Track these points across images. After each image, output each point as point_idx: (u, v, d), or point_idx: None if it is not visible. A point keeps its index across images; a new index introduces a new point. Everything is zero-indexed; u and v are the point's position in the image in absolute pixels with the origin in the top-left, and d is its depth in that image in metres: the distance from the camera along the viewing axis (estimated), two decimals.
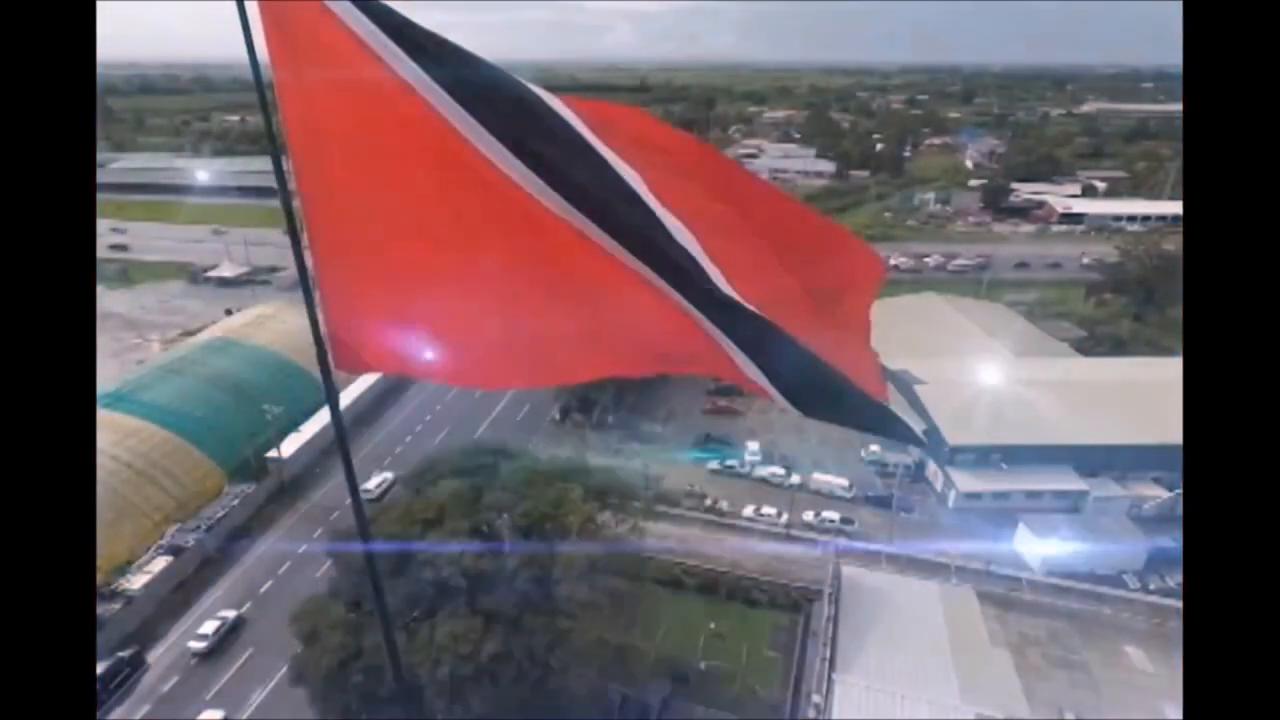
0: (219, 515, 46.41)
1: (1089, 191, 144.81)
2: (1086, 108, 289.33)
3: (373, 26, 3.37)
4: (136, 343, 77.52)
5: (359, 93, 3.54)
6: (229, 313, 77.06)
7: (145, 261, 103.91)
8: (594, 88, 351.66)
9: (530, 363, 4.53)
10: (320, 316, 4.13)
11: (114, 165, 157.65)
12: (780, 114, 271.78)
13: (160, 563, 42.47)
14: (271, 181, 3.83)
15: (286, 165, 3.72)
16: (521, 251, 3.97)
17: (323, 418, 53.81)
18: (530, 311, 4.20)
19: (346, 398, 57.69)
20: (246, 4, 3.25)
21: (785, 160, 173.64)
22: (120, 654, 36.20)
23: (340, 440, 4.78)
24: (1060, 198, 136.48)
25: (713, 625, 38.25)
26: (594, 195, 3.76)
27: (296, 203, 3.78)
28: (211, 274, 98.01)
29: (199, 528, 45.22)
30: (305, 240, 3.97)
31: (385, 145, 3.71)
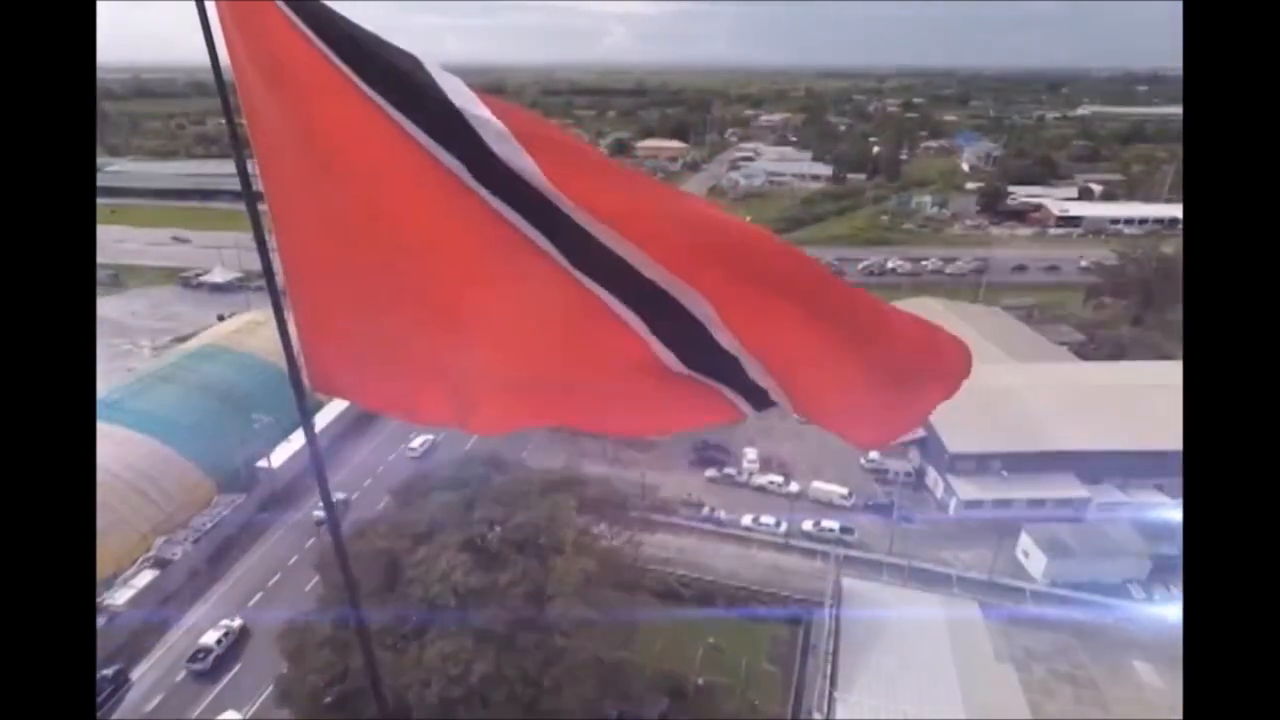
0: (208, 526, 45.60)
1: (1085, 194, 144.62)
2: (1082, 111, 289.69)
3: (309, 30, 3.12)
4: (127, 349, 76.62)
5: (317, 100, 3.27)
6: (221, 318, 76.30)
7: (137, 266, 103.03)
8: (591, 91, 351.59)
9: (518, 406, 4.15)
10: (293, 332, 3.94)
11: (109, 169, 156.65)
12: (776, 117, 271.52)
13: (146, 576, 41.61)
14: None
15: (252, 169, 3.57)
16: (506, 285, 3.63)
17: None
18: (517, 352, 3.85)
19: (336, 408, 56.77)
20: (207, 4, 3.11)
21: (781, 164, 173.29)
22: (103, 671, 35.32)
23: (316, 461, 4.41)
24: (1057, 201, 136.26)
25: (711, 639, 37.50)
26: (565, 230, 3.39)
27: (263, 206, 3.63)
28: (204, 279, 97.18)
29: (187, 539, 44.42)
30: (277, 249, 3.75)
31: (349, 157, 3.38)
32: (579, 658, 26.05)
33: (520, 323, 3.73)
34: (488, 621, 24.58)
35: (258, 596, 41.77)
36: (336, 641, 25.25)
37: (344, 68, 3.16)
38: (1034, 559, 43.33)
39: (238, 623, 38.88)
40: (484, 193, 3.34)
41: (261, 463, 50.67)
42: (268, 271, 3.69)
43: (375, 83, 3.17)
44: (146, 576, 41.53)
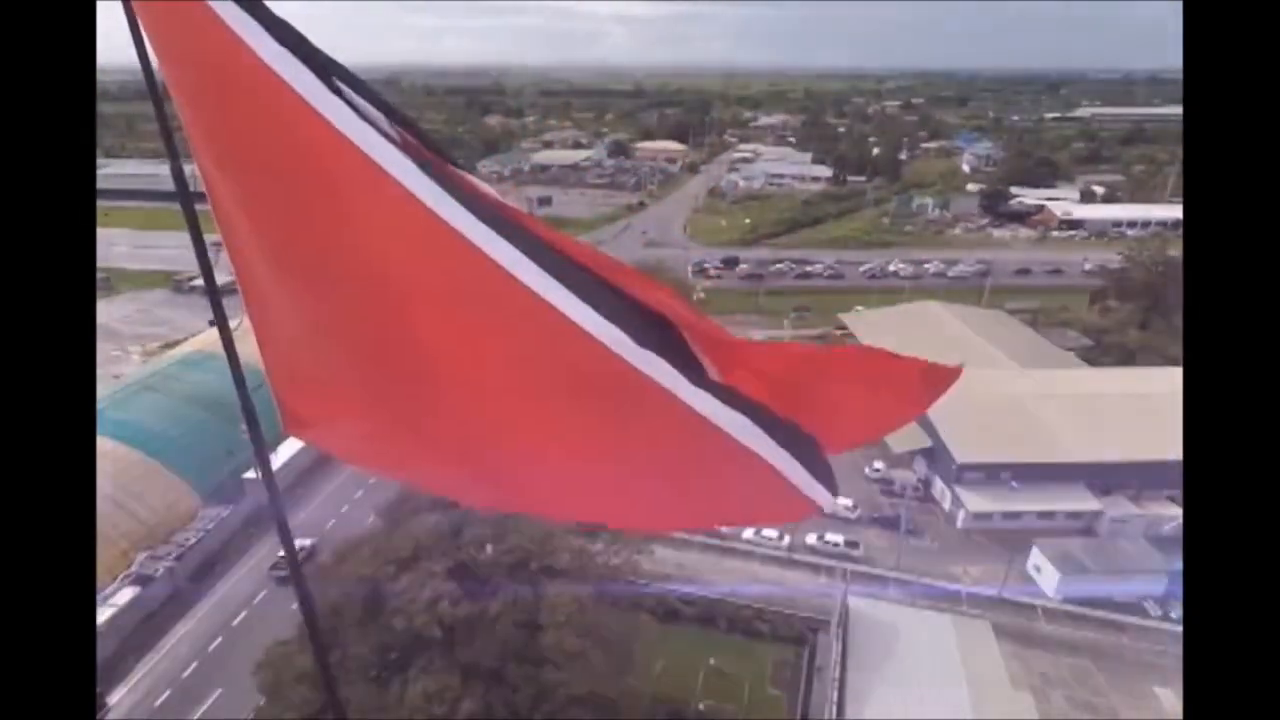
0: (191, 541, 44.18)
1: (1087, 196, 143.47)
2: (1081, 112, 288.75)
3: (259, 30, 2.74)
4: (116, 355, 75.30)
5: (265, 106, 2.85)
6: (212, 323, 74.92)
7: (128, 270, 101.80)
8: (589, 92, 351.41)
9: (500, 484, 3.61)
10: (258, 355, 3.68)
11: (104, 171, 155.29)
12: (775, 119, 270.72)
13: (127, 593, 40.16)
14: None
15: (190, 170, 3.30)
16: (498, 330, 3.09)
17: None
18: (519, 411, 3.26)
19: None
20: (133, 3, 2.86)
21: (781, 165, 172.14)
22: None
23: (270, 490, 3.92)
24: (1059, 202, 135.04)
25: (712, 660, 36.13)
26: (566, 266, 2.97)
27: (202, 206, 3.31)
28: (195, 283, 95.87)
29: (170, 555, 42.98)
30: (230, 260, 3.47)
31: (304, 172, 2.92)
32: (572, 690, 24.62)
33: (538, 386, 3.13)
34: (476, 654, 23.16)
35: (242, 615, 40.39)
36: (317, 676, 23.79)
37: (277, 67, 2.76)
38: (1046, 574, 41.94)
39: (310, 541, 42.62)
40: (460, 219, 2.81)
41: (248, 474, 49.24)
42: (209, 278, 3.47)
43: (323, 88, 2.79)
44: (127, 594, 40.11)
